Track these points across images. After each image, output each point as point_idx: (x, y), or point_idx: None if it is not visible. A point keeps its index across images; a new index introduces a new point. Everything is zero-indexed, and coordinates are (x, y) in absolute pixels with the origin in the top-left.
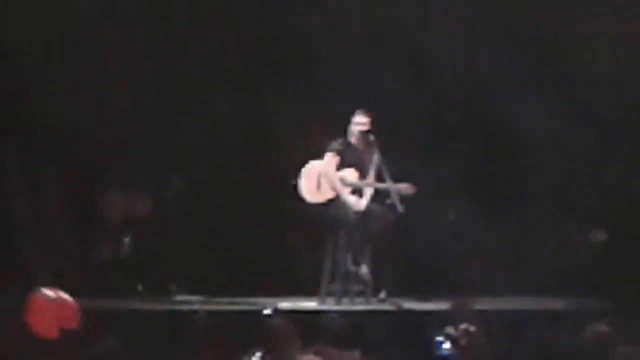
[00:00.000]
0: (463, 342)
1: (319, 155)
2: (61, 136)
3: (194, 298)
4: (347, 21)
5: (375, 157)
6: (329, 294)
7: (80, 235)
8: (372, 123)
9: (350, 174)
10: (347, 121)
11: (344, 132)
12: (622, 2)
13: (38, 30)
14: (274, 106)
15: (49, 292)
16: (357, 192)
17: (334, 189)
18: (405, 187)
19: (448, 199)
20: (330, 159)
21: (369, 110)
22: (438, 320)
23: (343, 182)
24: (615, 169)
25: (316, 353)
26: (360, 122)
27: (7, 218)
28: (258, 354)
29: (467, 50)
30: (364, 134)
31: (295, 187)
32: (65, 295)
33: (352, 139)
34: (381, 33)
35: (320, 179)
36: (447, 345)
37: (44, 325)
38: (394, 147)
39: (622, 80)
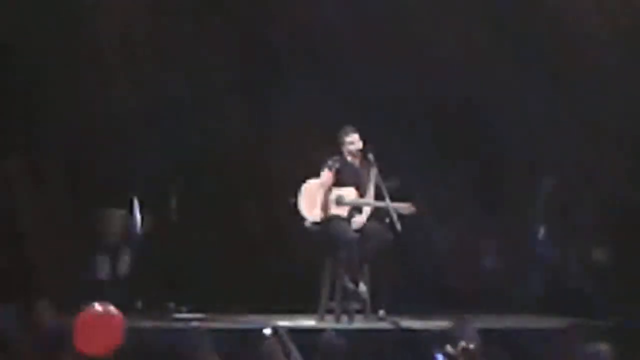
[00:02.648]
0: None
1: (318, 174)
2: (61, 152)
3: (192, 316)
4: (351, 35)
5: (373, 175)
6: (328, 312)
7: (79, 251)
8: (364, 140)
9: (350, 193)
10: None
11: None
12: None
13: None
14: (274, 123)
15: (97, 307)
16: (357, 210)
17: (323, 206)
18: (404, 207)
19: (447, 216)
20: (325, 175)
21: (367, 129)
22: (437, 339)
23: (342, 200)
24: (618, 187)
25: None
26: (352, 140)
27: (7, 234)
28: None
29: (469, 59)
30: (361, 151)
31: (294, 205)
32: (113, 310)
33: (349, 157)
34: (385, 45)
35: (317, 197)
36: None
37: (92, 341)
38: (392, 163)
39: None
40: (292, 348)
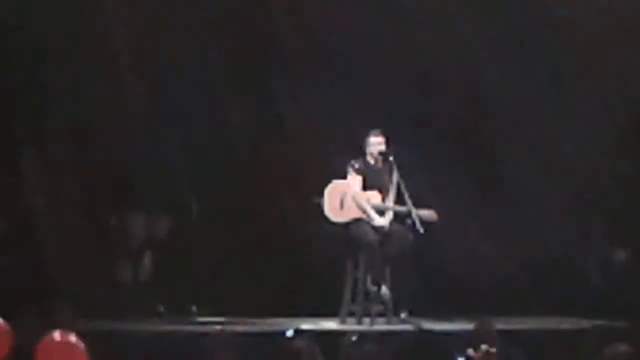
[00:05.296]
0: None
1: (337, 175)
2: (82, 157)
3: (215, 319)
4: (370, 39)
5: (395, 177)
6: (350, 314)
7: (101, 256)
8: (388, 142)
9: (373, 196)
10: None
11: (362, 152)
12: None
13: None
14: (295, 123)
15: (58, 336)
16: (379, 212)
17: (360, 208)
18: (427, 215)
19: (467, 219)
20: (354, 179)
21: (384, 130)
22: (459, 341)
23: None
24: (635, 187)
25: None
26: (376, 142)
27: (28, 239)
28: None
29: (476, 61)
30: (382, 154)
31: (318, 205)
32: (74, 339)
33: (371, 160)
34: (394, 45)
35: (344, 198)
36: None
37: None
38: (413, 166)
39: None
40: (315, 350)
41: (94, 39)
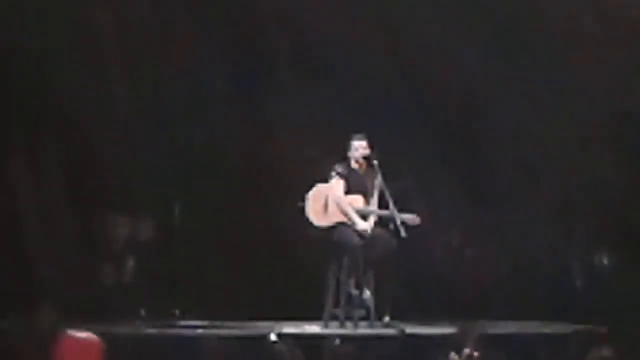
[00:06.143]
0: None
1: (321, 179)
2: (65, 160)
3: (197, 323)
4: (357, 42)
5: (378, 181)
6: (333, 318)
7: (83, 259)
8: (371, 146)
9: (356, 200)
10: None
11: (345, 156)
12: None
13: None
14: (278, 127)
15: (76, 333)
16: (362, 217)
17: (343, 211)
18: (410, 219)
19: (451, 223)
20: (337, 183)
21: (368, 134)
22: (441, 345)
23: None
24: (617, 193)
25: None
26: (360, 146)
27: (12, 241)
28: None
29: (468, 64)
30: (366, 158)
31: (302, 210)
32: (92, 336)
33: (354, 164)
34: (384, 49)
35: (328, 202)
36: None
37: None
38: (396, 170)
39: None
40: (297, 354)
41: (89, 41)
